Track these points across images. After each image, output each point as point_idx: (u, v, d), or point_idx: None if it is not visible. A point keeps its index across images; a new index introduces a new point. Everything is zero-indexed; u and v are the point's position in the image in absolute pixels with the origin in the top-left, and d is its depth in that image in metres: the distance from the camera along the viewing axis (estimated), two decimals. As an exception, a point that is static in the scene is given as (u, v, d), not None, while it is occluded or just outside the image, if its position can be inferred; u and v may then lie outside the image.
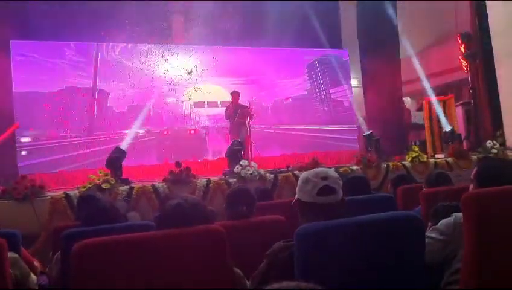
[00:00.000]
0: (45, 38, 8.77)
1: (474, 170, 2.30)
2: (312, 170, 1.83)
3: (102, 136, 9.12)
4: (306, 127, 10.89)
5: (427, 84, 10.16)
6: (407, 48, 10.52)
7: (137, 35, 9.28)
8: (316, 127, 10.96)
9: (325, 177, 1.76)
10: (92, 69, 9.32)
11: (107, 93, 9.42)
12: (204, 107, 10.19)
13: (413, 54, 10.66)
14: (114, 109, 9.48)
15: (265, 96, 10.85)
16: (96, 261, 1.53)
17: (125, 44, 9.68)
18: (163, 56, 9.91)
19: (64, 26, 8.50)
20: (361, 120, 10.91)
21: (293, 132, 10.72)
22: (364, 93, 10.93)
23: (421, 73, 10.48)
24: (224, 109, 8.52)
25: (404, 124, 10.33)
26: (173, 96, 9.99)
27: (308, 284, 0.78)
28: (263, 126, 10.07)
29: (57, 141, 8.75)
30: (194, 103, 10.12)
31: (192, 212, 1.76)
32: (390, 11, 9.97)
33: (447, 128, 8.44)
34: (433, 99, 9.31)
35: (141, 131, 9.53)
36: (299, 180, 1.85)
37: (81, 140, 8.93)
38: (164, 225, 1.73)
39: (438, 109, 9.01)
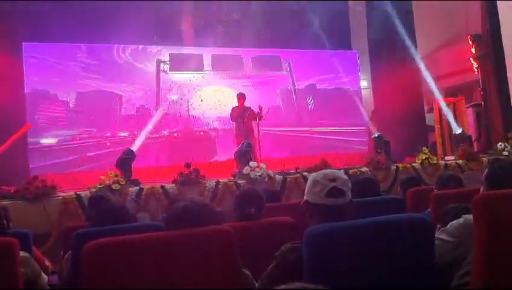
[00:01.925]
0: (57, 40, 8.85)
1: (485, 171, 2.28)
2: (321, 172, 1.82)
3: (112, 138, 9.18)
4: (315, 129, 10.86)
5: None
6: (417, 49, 10.47)
7: (147, 37, 9.34)
8: (326, 129, 10.92)
9: (333, 179, 1.75)
10: (103, 71, 9.39)
11: (118, 95, 9.48)
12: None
13: (422, 56, 10.59)
14: (124, 110, 9.54)
15: (274, 98, 10.85)
16: (107, 261, 1.54)
17: (135, 46, 9.74)
18: (173, 58, 9.96)
19: (76, 28, 8.56)
20: (370, 123, 10.87)
21: (302, 134, 10.70)
22: (373, 95, 10.88)
23: (431, 74, 10.40)
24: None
25: (421, 125, 10.25)
26: (182, 98, 10.02)
27: (314, 286, 0.78)
28: (272, 127, 10.06)
29: (68, 142, 8.83)
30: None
31: (200, 213, 1.78)
32: (404, 10, 9.92)
33: (457, 130, 8.38)
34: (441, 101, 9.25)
35: (151, 133, 9.56)
36: (307, 182, 1.84)
37: (92, 142, 9.00)
38: (172, 226, 1.74)
39: (447, 111, 8.96)
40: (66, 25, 8.38)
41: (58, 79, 9.00)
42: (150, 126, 9.42)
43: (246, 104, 8.18)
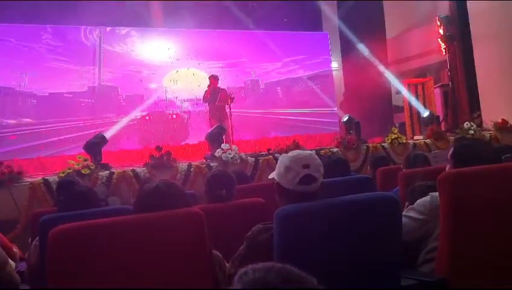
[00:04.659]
0: (21, 21, 8.52)
1: (451, 150, 2.33)
2: (294, 154, 1.78)
3: (81, 122, 8.97)
4: (287, 110, 10.89)
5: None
6: (388, 30, 10.57)
7: (115, 19, 9.09)
8: (297, 110, 10.96)
9: (306, 165, 1.72)
10: (69, 53, 9.11)
11: (85, 78, 9.23)
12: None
13: (391, 37, 10.71)
14: (93, 93, 9.30)
15: (245, 80, 10.79)
16: (73, 246, 1.51)
17: (103, 27, 9.48)
18: (142, 40, 9.76)
19: (41, 9, 8.26)
20: (340, 103, 10.99)
21: (274, 116, 10.71)
22: (344, 76, 10.97)
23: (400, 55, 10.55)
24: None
25: (389, 106, 10.42)
26: (153, 81, 9.86)
27: (282, 265, 0.77)
28: (244, 110, 10.02)
29: (35, 127, 8.57)
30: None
31: (170, 195, 1.76)
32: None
33: (425, 113, 8.53)
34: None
35: (122, 116, 9.39)
36: (279, 163, 1.80)
37: (59, 126, 8.77)
38: (142, 209, 1.72)
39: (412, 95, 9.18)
40: (30, 6, 8.08)
41: (23, 61, 8.69)
42: (119, 108, 9.24)
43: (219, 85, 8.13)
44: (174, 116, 9.97)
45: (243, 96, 10.15)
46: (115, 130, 8.83)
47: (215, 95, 7.83)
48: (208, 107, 8.22)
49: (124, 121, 9.32)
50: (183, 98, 10.04)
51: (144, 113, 9.68)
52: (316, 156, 1.80)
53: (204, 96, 8.09)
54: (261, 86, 10.96)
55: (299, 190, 1.71)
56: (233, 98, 7.76)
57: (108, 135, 7.12)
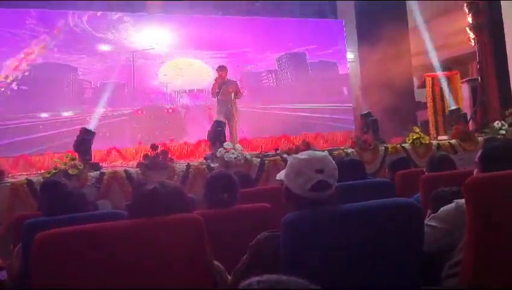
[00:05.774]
0: (2, 4, 8.57)
1: (479, 152, 2.32)
2: (305, 157, 1.74)
3: (68, 116, 9.01)
4: (297, 106, 10.87)
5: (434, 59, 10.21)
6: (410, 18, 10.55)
7: (107, 3, 9.13)
8: (308, 106, 10.94)
9: (320, 170, 1.68)
10: (55, 41, 9.15)
11: (73, 68, 9.27)
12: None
13: (414, 25, 10.67)
14: (81, 85, 9.34)
15: (251, 72, 10.78)
16: (59, 253, 1.52)
17: (93, 12, 9.51)
18: (136, 26, 9.78)
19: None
20: (356, 99, 10.99)
21: (281, 112, 10.69)
22: (361, 68, 10.94)
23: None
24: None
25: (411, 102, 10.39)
26: (148, 71, 9.89)
27: (289, 278, 0.78)
28: (249, 105, 10.01)
29: (16, 121, 8.61)
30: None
31: (170, 199, 1.75)
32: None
33: (452, 107, 8.51)
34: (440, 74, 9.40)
35: (112, 110, 9.42)
36: (288, 166, 1.78)
37: (43, 121, 8.81)
38: (137, 214, 1.72)
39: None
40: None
41: (4, 48, 8.74)
42: (108, 101, 9.25)
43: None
44: (170, 110, 9.98)
45: (248, 90, 10.10)
46: (96, 122, 8.83)
47: (221, 88, 7.73)
48: (212, 101, 8.13)
49: (115, 116, 9.35)
50: (180, 90, 10.05)
51: (137, 107, 9.69)
52: (331, 159, 1.77)
53: (212, 90, 8.00)
54: (268, 79, 10.96)
55: (310, 197, 1.69)
56: (239, 93, 7.70)
57: (93, 128, 7.11)
